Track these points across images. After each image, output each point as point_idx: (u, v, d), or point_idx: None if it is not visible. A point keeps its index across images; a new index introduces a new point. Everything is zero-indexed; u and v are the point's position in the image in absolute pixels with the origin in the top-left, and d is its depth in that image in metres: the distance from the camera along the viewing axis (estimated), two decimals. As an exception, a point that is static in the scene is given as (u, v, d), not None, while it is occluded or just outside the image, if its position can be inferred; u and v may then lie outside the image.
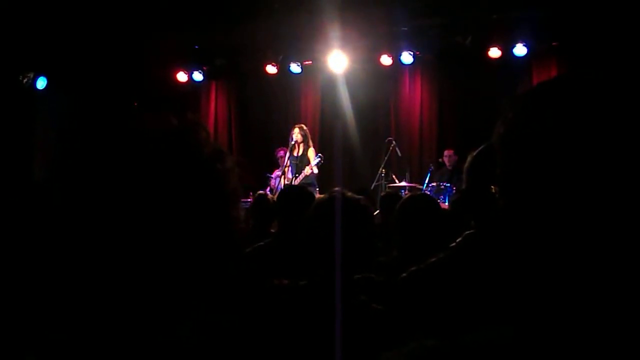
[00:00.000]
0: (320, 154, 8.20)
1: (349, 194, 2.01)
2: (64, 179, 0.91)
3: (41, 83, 10.37)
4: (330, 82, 10.28)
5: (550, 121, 0.68)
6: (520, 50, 9.07)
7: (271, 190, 8.55)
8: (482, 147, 1.85)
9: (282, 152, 8.95)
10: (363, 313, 1.85)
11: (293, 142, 8.38)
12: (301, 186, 4.58)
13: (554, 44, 9.16)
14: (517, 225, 0.71)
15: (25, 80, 10.23)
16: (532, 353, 0.67)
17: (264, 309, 1.91)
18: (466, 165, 1.88)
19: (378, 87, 10.21)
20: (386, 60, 9.82)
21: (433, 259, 1.93)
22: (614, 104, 0.67)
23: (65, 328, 0.88)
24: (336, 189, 2.00)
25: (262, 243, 3.37)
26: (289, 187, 4.54)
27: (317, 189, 7.64)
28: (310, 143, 8.45)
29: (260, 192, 4.39)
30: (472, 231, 1.85)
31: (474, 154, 1.87)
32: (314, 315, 1.80)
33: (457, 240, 1.88)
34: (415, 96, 10.43)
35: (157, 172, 0.90)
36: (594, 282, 0.65)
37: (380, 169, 9.00)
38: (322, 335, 1.59)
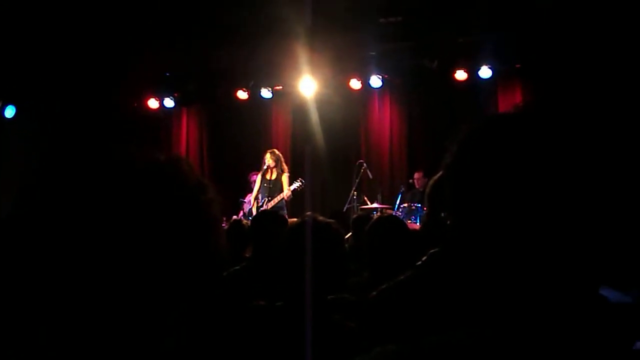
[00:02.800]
0: (300, 179, 8.27)
1: (320, 218, 2.11)
2: (35, 211, 0.89)
3: (9, 112, 10.28)
4: (300, 107, 10.37)
5: (488, 154, 0.80)
6: (485, 72, 9.30)
7: (244, 215, 8.59)
8: (439, 174, 1.97)
9: (255, 177, 9.00)
10: (336, 331, 1.94)
11: (265, 167, 8.43)
12: (274, 211, 4.66)
13: (517, 65, 9.42)
14: (463, 242, 0.82)
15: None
16: (483, 353, 0.77)
17: (242, 329, 1.98)
18: (427, 191, 2.00)
19: (348, 111, 10.34)
20: (355, 84, 9.98)
21: (401, 277, 2.03)
22: (545, 139, 0.79)
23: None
24: (308, 213, 2.09)
25: (237, 267, 3.43)
26: (262, 213, 4.60)
27: (286, 213, 7.68)
28: (284, 167, 8.51)
29: (235, 218, 4.46)
30: (435, 250, 1.96)
31: (432, 180, 2.00)
32: (289, 334, 1.88)
33: (423, 259, 1.98)
34: (384, 119, 10.58)
35: (141, 203, 0.94)
36: (529, 287, 0.77)
37: (352, 191, 9.09)
38: (297, 352, 1.67)
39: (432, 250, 1.97)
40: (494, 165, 0.78)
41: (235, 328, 2.00)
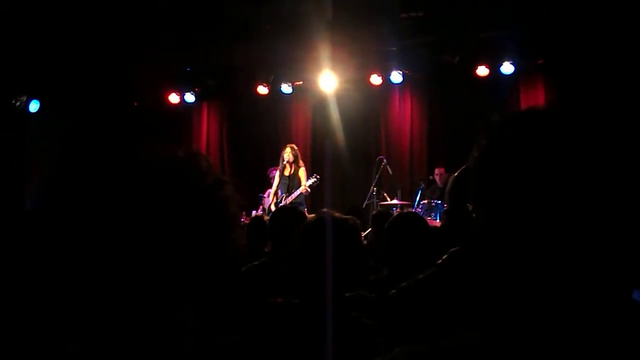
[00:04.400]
0: (316, 174, 8.26)
1: (337, 214, 2.09)
2: (58, 204, 0.92)
3: (34, 106, 10.40)
4: (320, 102, 10.37)
5: (518, 149, 0.78)
6: (507, 68, 9.21)
7: (264, 210, 8.60)
8: (461, 169, 1.94)
9: (274, 172, 9.01)
10: (355, 328, 1.93)
11: (284, 162, 8.43)
12: (293, 207, 4.65)
13: (539, 61, 9.32)
14: (488, 237, 0.80)
15: (17, 104, 10.26)
16: (499, 354, 0.75)
17: (259, 327, 1.98)
18: (448, 186, 1.97)
19: (368, 106, 10.31)
20: (376, 79, 9.93)
21: (421, 276, 2.01)
22: (576, 138, 0.76)
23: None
24: (324, 210, 2.08)
25: (256, 262, 3.43)
26: (281, 209, 4.60)
27: (306, 209, 7.68)
28: (301, 163, 8.50)
29: (256, 214, 4.46)
30: (457, 248, 1.93)
31: (454, 176, 1.97)
32: (307, 331, 1.87)
33: (443, 257, 1.96)
34: (405, 115, 10.53)
35: (160, 200, 0.94)
36: (555, 288, 0.74)
37: (372, 188, 9.06)
38: (315, 350, 1.66)
39: (453, 249, 1.94)
40: (523, 159, 0.76)
41: (253, 325, 2.00)
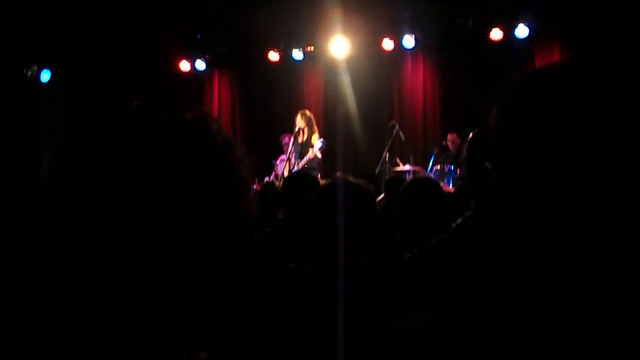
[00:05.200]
0: (322, 139, 8.21)
1: (351, 178, 2.07)
2: (71, 174, 0.92)
3: (45, 76, 10.41)
4: (332, 68, 10.29)
5: (540, 106, 0.75)
6: (522, 31, 9.05)
7: (276, 177, 8.60)
8: (475, 131, 1.91)
9: (286, 139, 8.97)
10: (367, 294, 1.92)
11: (297, 129, 8.39)
12: (305, 173, 4.63)
13: (555, 25, 9.14)
14: (508, 196, 0.77)
15: (29, 73, 10.27)
16: (516, 332, 0.73)
17: (272, 292, 1.98)
18: (464, 148, 1.94)
19: (380, 72, 10.21)
20: (388, 44, 9.81)
21: (434, 240, 1.99)
22: (601, 93, 0.73)
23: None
24: (338, 174, 2.06)
25: (269, 229, 3.44)
26: (293, 174, 4.59)
27: (319, 175, 7.66)
28: (315, 128, 8.42)
29: (268, 180, 4.45)
30: (471, 212, 1.91)
31: (469, 137, 1.93)
32: (319, 297, 1.87)
33: (457, 222, 1.94)
34: (417, 80, 10.43)
35: (170, 163, 0.93)
36: (579, 260, 0.71)
37: (384, 153, 9.02)
38: (327, 315, 1.66)
39: (468, 213, 1.92)
40: (547, 114, 0.73)
41: (266, 291, 2.00)
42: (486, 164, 0.83)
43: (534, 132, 0.73)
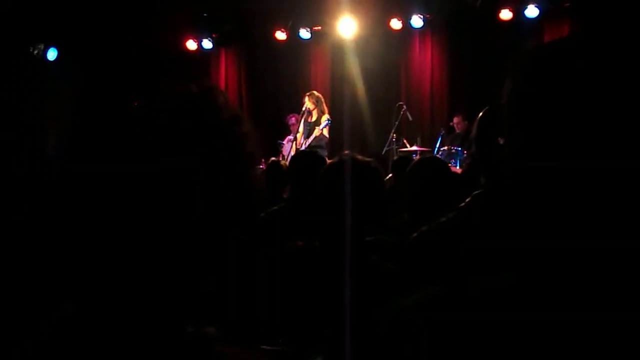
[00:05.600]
0: (328, 117, 8.17)
1: (358, 156, 2.05)
2: (78, 150, 0.92)
3: (52, 54, 10.39)
4: (339, 48, 10.21)
5: (553, 79, 0.73)
6: (531, 11, 8.95)
7: (283, 157, 8.58)
8: (488, 106, 1.89)
9: (293, 119, 8.94)
10: (374, 271, 1.91)
11: (303, 109, 8.35)
12: (313, 151, 4.61)
13: (566, 4, 9.03)
14: (520, 173, 0.76)
15: (35, 52, 10.25)
16: (529, 298, 0.72)
17: (279, 269, 1.98)
18: (475, 122, 1.92)
19: (388, 52, 10.13)
20: (396, 24, 9.74)
21: (442, 219, 1.97)
22: (614, 64, 0.71)
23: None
24: (346, 152, 2.04)
25: (275, 207, 3.43)
26: (300, 153, 4.57)
27: (327, 154, 7.63)
28: (325, 109, 8.37)
29: (273, 159, 4.43)
30: (480, 191, 1.89)
31: (482, 113, 1.91)
32: (327, 273, 1.86)
33: (466, 200, 1.92)
34: (425, 60, 10.35)
35: (176, 137, 0.92)
36: (590, 229, 0.70)
37: (391, 134, 8.98)
38: (334, 292, 1.65)
39: (476, 192, 1.90)
40: (560, 85, 0.71)
41: (273, 268, 2.00)
42: (498, 139, 0.81)
43: (546, 104, 0.72)
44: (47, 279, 1.05)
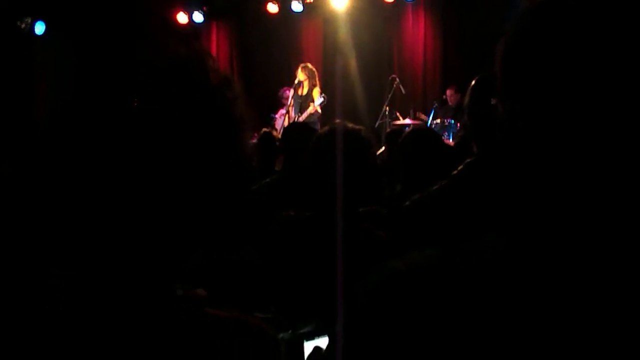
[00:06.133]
0: (323, 95, 8.15)
1: (350, 125, 2.03)
2: (67, 115, 0.91)
3: (39, 28, 10.25)
4: (332, 20, 10.13)
5: (549, 32, 0.70)
6: (527, -17, 8.85)
7: (275, 130, 8.54)
8: (481, 74, 1.87)
9: (287, 92, 8.89)
10: (366, 239, 1.91)
11: (297, 82, 8.32)
12: (305, 122, 4.59)
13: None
14: (515, 134, 0.73)
15: (23, 26, 10.11)
16: (525, 259, 0.70)
17: (271, 237, 1.97)
18: (468, 90, 1.90)
19: (381, 24, 10.06)
20: (389, -5, 9.65)
21: (435, 187, 1.97)
22: (611, 21, 0.69)
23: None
24: (337, 121, 2.03)
25: (268, 180, 3.41)
26: (293, 124, 4.55)
27: (319, 128, 7.59)
28: (316, 82, 8.35)
29: (265, 129, 4.41)
30: (473, 158, 1.88)
31: (474, 80, 1.89)
32: (319, 241, 1.85)
33: (459, 168, 1.91)
34: (418, 32, 10.28)
35: (165, 100, 0.90)
36: (590, 193, 0.67)
37: (384, 107, 8.95)
38: (327, 259, 1.64)
39: (469, 160, 1.89)
40: (554, 40, 0.68)
41: (265, 237, 1.99)
42: (491, 100, 0.79)
43: (543, 58, 0.69)
44: (34, 241, 1.04)
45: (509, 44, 0.76)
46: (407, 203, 2.06)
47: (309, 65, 8.50)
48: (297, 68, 8.54)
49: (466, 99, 1.94)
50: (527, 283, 0.67)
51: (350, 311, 0.80)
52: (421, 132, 3.07)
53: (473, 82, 1.90)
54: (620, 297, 0.63)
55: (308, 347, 1.69)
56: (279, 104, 9.16)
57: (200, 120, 0.91)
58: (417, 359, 0.70)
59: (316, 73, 8.41)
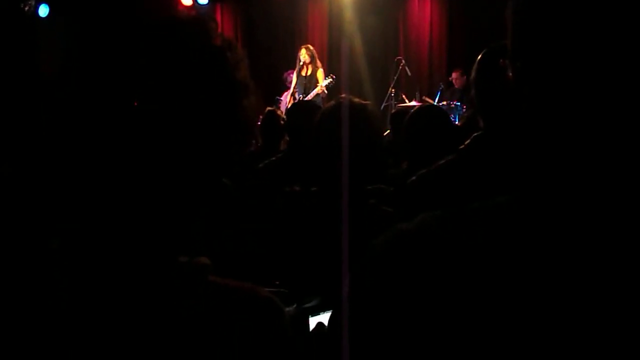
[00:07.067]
0: (332, 75, 8.15)
1: (356, 99, 2.01)
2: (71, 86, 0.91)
3: (43, 10, 10.22)
4: (337, 2, 10.06)
5: None
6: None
7: (280, 111, 8.54)
8: (488, 47, 1.83)
9: (291, 75, 8.88)
10: (372, 214, 1.89)
11: (301, 63, 8.30)
12: (310, 102, 4.56)
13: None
14: (527, 96, 0.70)
15: (26, 8, 10.08)
16: (537, 215, 0.68)
17: (277, 211, 1.95)
18: (474, 66, 1.86)
19: (386, 6, 10.00)
20: (394, -23, 9.58)
21: (442, 162, 1.94)
22: None
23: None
24: (343, 95, 2.00)
25: (273, 159, 3.40)
26: (298, 103, 4.53)
27: None
28: (319, 64, 8.36)
29: (269, 108, 4.38)
30: (481, 132, 1.85)
31: (480, 55, 1.86)
32: (325, 215, 1.84)
33: (466, 143, 1.88)
34: (424, 14, 10.21)
35: (168, 62, 0.89)
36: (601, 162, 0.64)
37: (390, 89, 8.91)
38: (332, 234, 1.63)
39: (476, 134, 1.86)
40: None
41: (270, 211, 1.97)
42: (501, 61, 0.76)
43: (557, 8, 0.65)
44: (35, 213, 1.03)
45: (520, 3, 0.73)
46: (413, 178, 2.03)
47: (311, 46, 8.49)
48: (301, 47, 8.52)
49: (472, 74, 1.91)
50: (540, 240, 0.65)
51: (356, 273, 0.78)
52: (428, 109, 3.04)
53: (479, 58, 1.86)
54: (632, 261, 0.61)
55: (312, 322, 1.68)
56: (284, 87, 9.14)
57: (201, 81, 0.90)
58: (425, 320, 0.68)
59: (316, 55, 8.40)
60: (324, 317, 1.70)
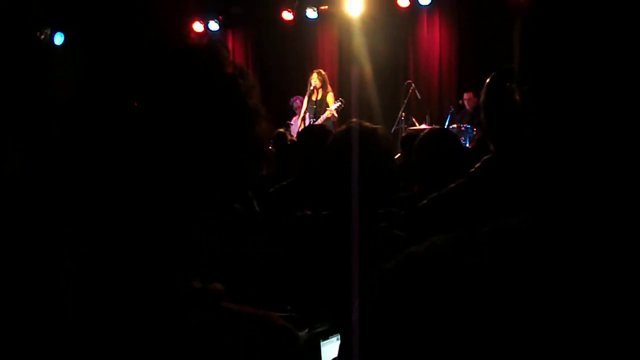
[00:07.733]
0: (341, 99, 8.19)
1: (367, 123, 2.02)
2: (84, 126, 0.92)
3: (59, 39, 10.38)
4: (346, 27, 10.14)
5: (569, 12, 0.66)
6: (541, -14, 8.81)
7: (291, 136, 8.57)
8: (495, 72, 1.84)
9: (297, 101, 8.94)
10: (383, 238, 1.89)
11: (312, 88, 8.35)
12: (321, 125, 4.59)
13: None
14: (536, 118, 0.70)
15: (42, 37, 10.23)
16: (547, 238, 0.68)
17: (288, 236, 1.96)
18: (483, 89, 1.88)
19: (396, 30, 10.06)
20: (403, 1, 9.65)
21: (452, 185, 1.94)
22: None
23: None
24: (354, 120, 2.01)
25: (284, 183, 3.41)
26: (309, 127, 4.55)
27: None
28: (329, 88, 8.42)
29: (280, 130, 4.41)
30: (491, 155, 1.86)
31: (489, 78, 1.87)
32: (336, 239, 1.84)
33: (476, 166, 1.89)
34: (433, 37, 10.26)
35: (180, 89, 0.90)
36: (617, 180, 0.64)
37: (400, 112, 8.93)
38: (342, 258, 1.63)
39: (486, 157, 1.87)
40: (574, 21, 0.65)
41: (281, 235, 1.98)
42: (507, 84, 0.76)
43: (563, 30, 0.65)
44: (50, 234, 1.04)
45: (528, 20, 0.73)
46: (424, 201, 2.03)
47: (322, 71, 8.56)
48: (312, 72, 8.58)
49: (481, 97, 1.92)
50: (549, 264, 0.65)
51: (366, 297, 0.78)
52: (438, 132, 3.05)
53: (488, 80, 1.88)
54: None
55: (323, 346, 1.67)
56: (292, 112, 9.19)
57: (214, 109, 0.90)
58: (436, 345, 0.68)
59: (327, 79, 8.46)
60: (335, 342, 1.69)
